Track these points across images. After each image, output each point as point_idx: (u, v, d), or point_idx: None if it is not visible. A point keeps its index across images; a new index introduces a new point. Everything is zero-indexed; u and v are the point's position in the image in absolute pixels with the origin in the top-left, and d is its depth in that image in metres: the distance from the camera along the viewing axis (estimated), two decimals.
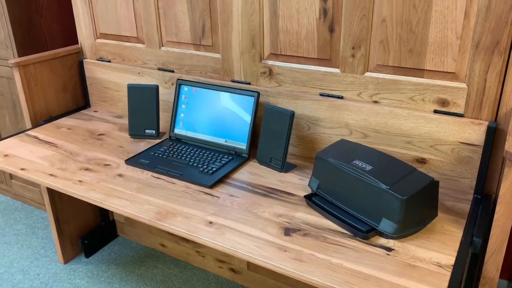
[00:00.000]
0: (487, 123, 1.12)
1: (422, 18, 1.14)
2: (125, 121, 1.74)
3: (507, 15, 1.04)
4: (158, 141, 1.56)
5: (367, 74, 1.27)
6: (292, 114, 1.29)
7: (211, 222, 1.10)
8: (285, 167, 1.34)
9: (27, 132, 1.64)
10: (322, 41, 1.31)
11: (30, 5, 1.99)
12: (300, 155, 1.44)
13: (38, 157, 1.44)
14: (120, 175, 1.33)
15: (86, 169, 1.37)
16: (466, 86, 1.14)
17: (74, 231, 1.96)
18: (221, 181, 1.29)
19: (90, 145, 1.53)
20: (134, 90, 1.56)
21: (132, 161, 1.40)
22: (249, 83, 1.48)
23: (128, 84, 1.56)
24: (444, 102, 1.18)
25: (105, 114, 1.81)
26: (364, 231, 1.03)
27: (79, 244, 1.99)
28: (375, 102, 1.28)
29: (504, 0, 1.03)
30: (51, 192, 1.79)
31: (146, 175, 1.33)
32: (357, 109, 1.29)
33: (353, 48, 1.26)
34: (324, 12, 1.27)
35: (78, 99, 1.90)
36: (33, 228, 2.20)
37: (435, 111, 1.19)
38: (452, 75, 1.16)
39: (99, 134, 1.61)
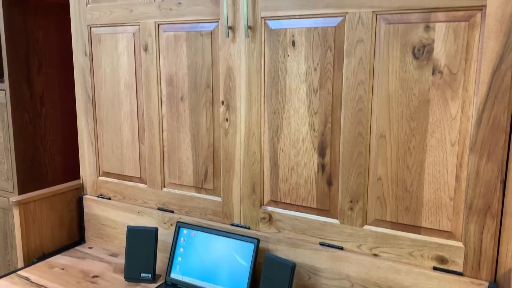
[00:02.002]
0: (487, 283, 1.14)
1: (416, 179, 1.21)
2: (120, 260, 1.71)
3: (495, 182, 1.11)
4: (153, 286, 1.52)
5: (366, 227, 1.30)
6: (293, 266, 1.29)
7: None
8: None
9: (18, 273, 1.59)
10: (321, 192, 1.36)
11: (36, 140, 2.08)
12: None
13: None
14: None
15: None
16: (463, 245, 1.17)
17: None
18: None
19: None
20: (133, 232, 1.56)
21: None
22: (249, 228, 1.50)
23: (128, 226, 1.57)
24: (443, 260, 1.20)
25: (100, 252, 1.78)
26: None
27: None
28: (375, 255, 1.29)
29: (491, 168, 1.11)
30: None
31: None
32: (357, 261, 1.30)
33: (351, 202, 1.31)
34: (322, 166, 1.35)
35: (74, 234, 1.88)
36: None
37: (435, 268, 1.21)
38: (448, 234, 1.19)
39: (93, 276, 1.57)
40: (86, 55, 1.76)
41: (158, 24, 1.57)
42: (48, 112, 2.13)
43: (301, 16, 1.31)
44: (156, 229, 1.55)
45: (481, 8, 1.08)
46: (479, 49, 1.10)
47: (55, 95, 2.14)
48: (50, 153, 2.15)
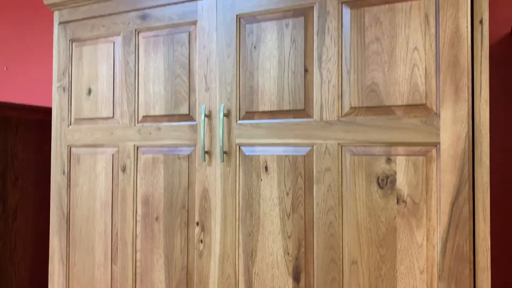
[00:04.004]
0: None
1: None
2: None
3: None
4: None
5: None
6: None
7: None
8: None
9: None
10: None
11: (5, 255, 2.01)
12: None
13: None
14: None
15: None
16: None
17: None
18: None
19: None
20: None
21: None
22: None
23: None
24: None
25: None
26: None
27: None
28: None
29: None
30: None
31: None
32: None
33: None
34: None
35: None
36: None
37: None
38: None
39: None
40: (64, 173, 1.79)
41: (137, 147, 1.64)
42: (20, 227, 2.09)
43: (273, 144, 1.40)
44: None
45: (436, 144, 1.18)
46: (438, 181, 1.18)
47: (28, 210, 2.12)
48: (17, 269, 2.07)
